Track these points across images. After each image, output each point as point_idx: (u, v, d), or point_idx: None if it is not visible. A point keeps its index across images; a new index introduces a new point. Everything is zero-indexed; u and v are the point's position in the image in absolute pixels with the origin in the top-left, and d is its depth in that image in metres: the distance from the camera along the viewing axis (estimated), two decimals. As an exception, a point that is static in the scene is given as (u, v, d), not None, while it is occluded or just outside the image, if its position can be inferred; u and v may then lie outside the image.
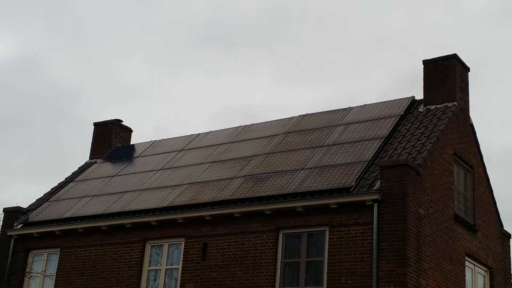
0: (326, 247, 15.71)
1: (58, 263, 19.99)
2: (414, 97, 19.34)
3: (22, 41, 49.60)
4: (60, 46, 49.96)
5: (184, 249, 17.76)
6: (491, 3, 46.21)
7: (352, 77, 46.25)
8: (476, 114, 39.89)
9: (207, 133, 22.81)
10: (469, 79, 19.20)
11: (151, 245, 18.57)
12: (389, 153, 16.92)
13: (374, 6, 48.57)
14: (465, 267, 17.32)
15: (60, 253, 20.06)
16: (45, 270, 20.22)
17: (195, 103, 47.57)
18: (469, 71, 19.17)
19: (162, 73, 48.89)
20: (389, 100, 19.69)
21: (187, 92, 47.62)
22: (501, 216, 20.04)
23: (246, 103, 47.63)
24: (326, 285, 15.41)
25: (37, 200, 22.89)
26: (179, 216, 17.90)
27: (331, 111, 20.51)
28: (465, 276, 17.19)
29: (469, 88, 19.17)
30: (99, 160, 24.26)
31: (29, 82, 48.14)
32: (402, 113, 18.61)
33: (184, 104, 47.54)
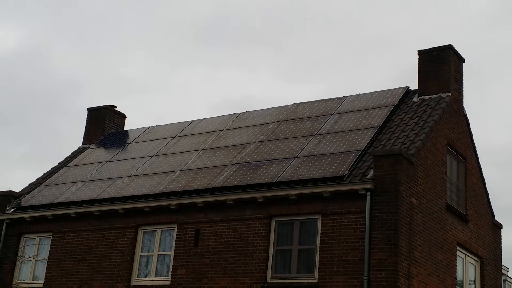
0: (319, 235, 15.75)
1: (50, 248, 19.98)
2: (409, 87, 19.36)
3: (27, 34, 50.09)
4: (64, 40, 50.29)
5: (176, 235, 17.78)
6: (491, 4, 46.52)
7: (351, 74, 46.62)
8: (476, 111, 40.29)
9: (201, 120, 22.78)
10: (463, 72, 19.22)
11: (144, 231, 18.58)
12: (382, 142, 16.95)
13: (375, 6, 48.91)
14: (456, 257, 17.41)
15: (52, 237, 20.05)
16: (37, 255, 20.21)
17: (195, 96, 48.02)
18: (464, 62, 19.19)
19: (163, 67, 49.40)
20: (384, 90, 19.70)
21: (187, 86, 48.03)
22: (497, 210, 20.16)
23: (245, 96, 47.86)
24: (317, 273, 15.47)
25: (29, 185, 22.85)
26: (172, 202, 17.90)
27: (325, 100, 20.51)
28: (456, 266, 17.29)
29: (463, 79, 19.20)
30: (92, 146, 24.21)
31: (32, 73, 48.68)
32: (396, 103, 18.63)
33: (184, 97, 48.03)
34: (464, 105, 19.20)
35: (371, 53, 47.92)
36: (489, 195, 20.03)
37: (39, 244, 20.38)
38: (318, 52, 48.42)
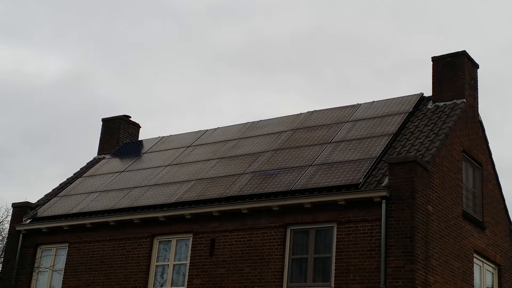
0: (334, 243, 15.70)
1: (66, 258, 20.06)
2: (423, 93, 19.28)
3: (71, 60, 52.42)
4: (106, 66, 52.70)
5: (192, 244, 17.79)
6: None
7: (380, 96, 47.39)
8: (503, 129, 40.49)
9: (215, 129, 22.82)
10: (478, 78, 19.13)
11: (159, 241, 18.61)
12: (397, 150, 16.88)
13: (402, 31, 49.79)
14: (473, 264, 17.28)
15: (68, 248, 20.13)
16: (53, 265, 20.28)
17: (227, 118, 49.46)
18: (478, 68, 19.08)
19: (197, 91, 51.58)
20: (398, 97, 19.63)
21: (219, 108, 49.43)
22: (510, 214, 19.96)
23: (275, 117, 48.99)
24: (334, 282, 15.41)
25: (45, 195, 22.95)
26: (187, 212, 17.92)
27: (339, 107, 20.48)
28: (473, 273, 17.16)
29: (478, 85, 19.10)
30: (107, 156, 24.32)
31: (75, 97, 50.83)
32: (411, 110, 18.56)
33: (215, 118, 49.33)
34: (486, 124, 19.13)
35: (401, 76, 48.80)
36: (507, 205, 19.84)
37: (55, 255, 20.46)
38: (349, 75, 49.48)
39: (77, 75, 51.59)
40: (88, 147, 48.69)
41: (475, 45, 46.18)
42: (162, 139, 23.92)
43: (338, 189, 16.03)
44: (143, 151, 23.56)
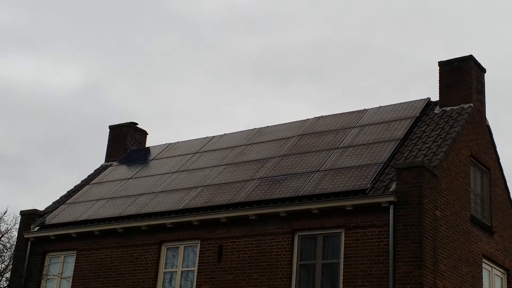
0: (342, 249, 15.67)
1: (74, 266, 20.09)
2: (430, 98, 19.26)
3: (88, 71, 53.59)
4: (121, 76, 53.41)
5: (199, 251, 17.79)
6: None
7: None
8: (511, 133, 40.44)
9: (222, 135, 22.84)
10: (485, 82, 19.10)
11: (167, 247, 18.61)
12: (404, 155, 16.86)
13: (412, 39, 50.08)
14: (482, 269, 17.22)
15: (76, 255, 20.16)
16: (61, 273, 20.31)
17: (240, 126, 50.01)
18: (485, 72, 19.06)
19: (213, 100, 52.36)
20: (405, 102, 19.62)
21: (234, 117, 49.99)
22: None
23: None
24: None
25: (53, 203, 23.01)
26: (194, 218, 17.93)
27: (346, 113, 20.47)
28: (482, 278, 17.09)
29: (485, 89, 19.07)
30: (114, 163, 24.36)
31: (92, 107, 52.13)
32: (418, 114, 18.54)
33: (229, 125, 49.82)
34: (494, 128, 19.10)
35: (413, 84, 49.09)
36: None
37: (63, 262, 20.50)
38: (362, 84, 49.85)
39: (94, 85, 52.37)
40: (100, 155, 49.32)
41: (482, 49, 46.25)
42: (169, 145, 23.95)
43: (345, 194, 16.01)
44: (150, 158, 23.60)
